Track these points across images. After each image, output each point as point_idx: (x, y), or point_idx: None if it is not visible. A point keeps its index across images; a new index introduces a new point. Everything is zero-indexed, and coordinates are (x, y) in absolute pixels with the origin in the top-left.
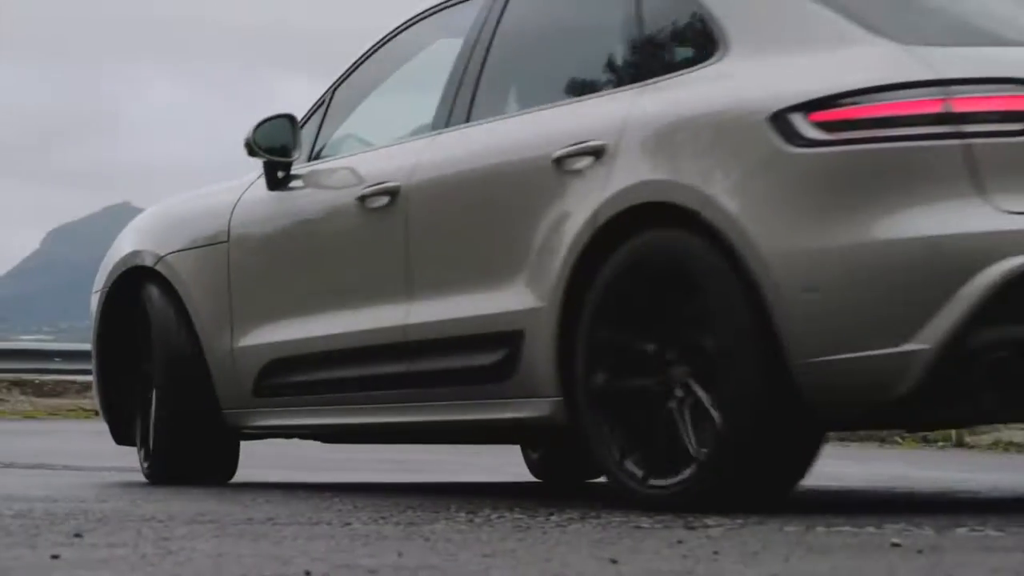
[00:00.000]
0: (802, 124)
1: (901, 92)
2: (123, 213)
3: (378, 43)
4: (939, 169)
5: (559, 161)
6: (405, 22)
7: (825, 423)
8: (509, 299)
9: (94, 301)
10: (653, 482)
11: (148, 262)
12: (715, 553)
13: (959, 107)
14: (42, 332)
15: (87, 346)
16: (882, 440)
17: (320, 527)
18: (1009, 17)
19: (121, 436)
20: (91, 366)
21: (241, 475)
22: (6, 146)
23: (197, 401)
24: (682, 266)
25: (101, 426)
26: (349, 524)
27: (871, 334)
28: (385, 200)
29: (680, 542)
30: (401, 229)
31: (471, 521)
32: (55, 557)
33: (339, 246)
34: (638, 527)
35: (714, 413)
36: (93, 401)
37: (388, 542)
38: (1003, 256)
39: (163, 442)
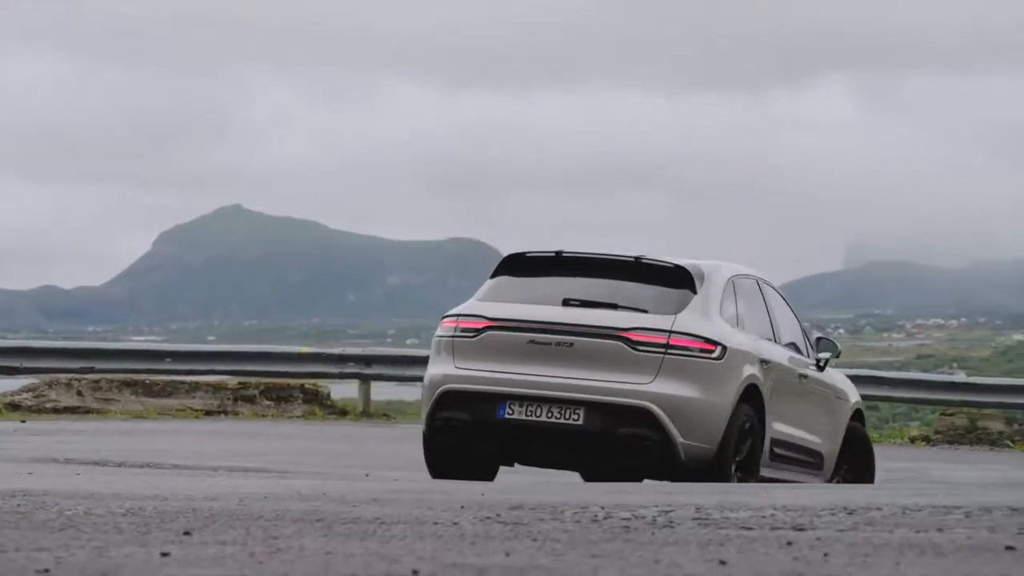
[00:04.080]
0: None
1: (454, 315)
2: (234, 215)
3: None
4: (439, 350)
5: None
6: None
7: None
8: None
9: None
10: None
11: None
12: (825, 555)
13: (452, 323)
14: (153, 333)
15: (197, 347)
16: (992, 444)
17: (427, 527)
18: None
19: None
20: (204, 367)
21: (346, 474)
22: (119, 149)
23: None
24: None
25: (210, 426)
26: (456, 524)
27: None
28: None
29: (790, 543)
30: None
31: (578, 521)
32: (165, 555)
33: None
34: (746, 527)
35: None
36: (202, 401)
37: (495, 542)
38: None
39: None
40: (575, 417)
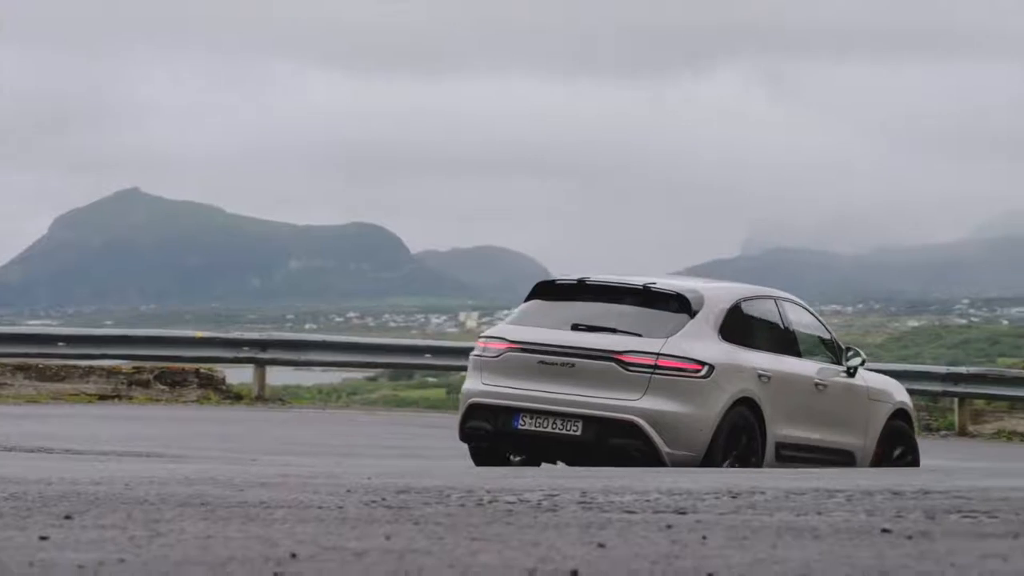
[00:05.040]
0: None
1: (484, 337)
2: (132, 199)
3: None
4: (472, 367)
5: None
6: None
7: None
8: None
9: None
10: None
11: None
12: (703, 538)
13: (482, 344)
14: (49, 317)
15: (90, 331)
16: None
17: (311, 510)
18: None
19: None
20: (98, 351)
21: (237, 458)
22: (13, 132)
23: None
24: None
25: (104, 410)
26: (341, 507)
27: None
28: None
29: (669, 526)
30: None
31: (463, 505)
32: (44, 538)
33: None
34: (629, 511)
35: None
36: (96, 385)
37: (377, 525)
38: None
39: None
40: (574, 429)
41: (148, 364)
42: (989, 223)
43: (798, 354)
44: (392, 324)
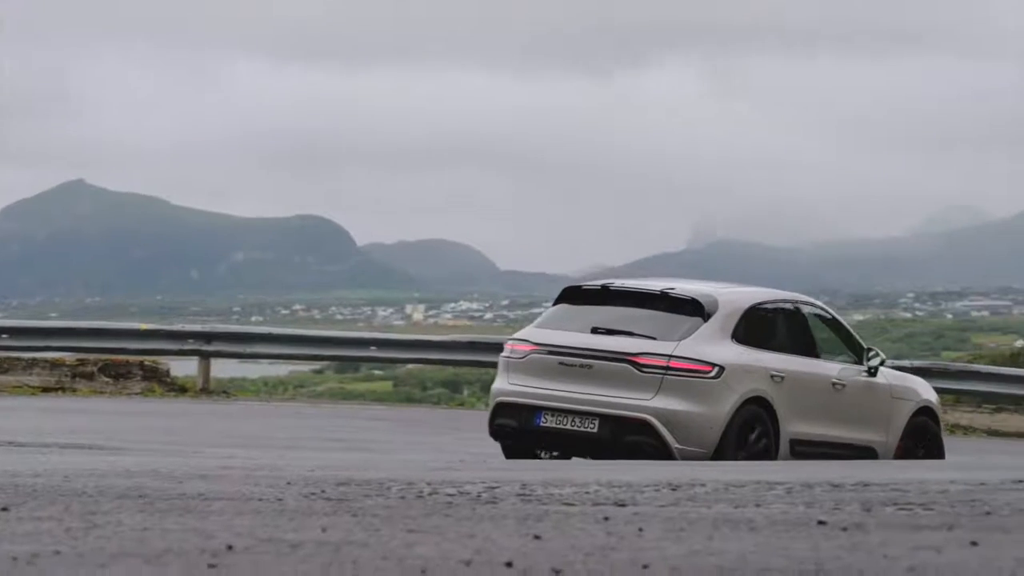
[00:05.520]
0: None
1: (512, 339)
2: (77, 190)
3: None
4: (501, 367)
5: None
6: None
7: None
8: None
9: None
10: None
11: None
12: (640, 530)
13: (510, 346)
14: None
15: (34, 323)
16: None
17: (251, 503)
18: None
19: None
20: (41, 343)
21: (180, 450)
22: None
23: None
24: None
25: (47, 403)
26: (281, 500)
27: None
28: None
29: (607, 519)
30: None
31: (403, 497)
32: None
33: None
34: (568, 503)
35: None
36: (39, 377)
37: (315, 517)
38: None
39: None
40: (591, 426)
41: (92, 356)
42: (933, 218)
43: (816, 355)
44: (339, 317)
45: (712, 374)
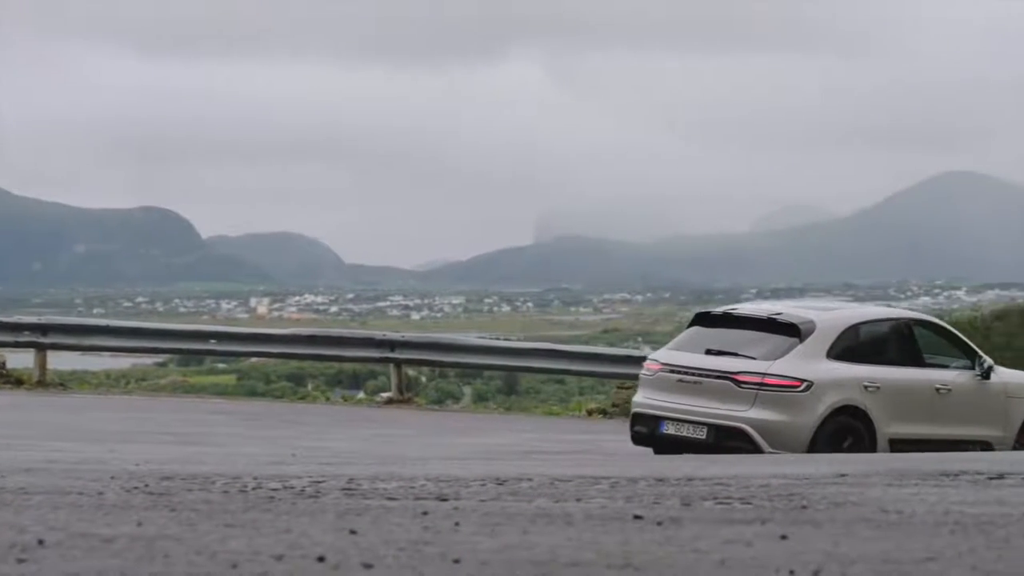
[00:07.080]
0: None
1: (649, 359)
2: None
3: None
4: (640, 383)
5: None
6: None
7: None
8: None
9: None
10: None
11: None
12: (456, 524)
13: (646, 365)
14: None
15: None
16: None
17: (69, 496)
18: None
19: None
20: None
21: (9, 444)
22: None
23: None
24: None
25: None
26: (101, 494)
27: None
28: None
29: (425, 513)
30: None
31: (226, 492)
32: None
33: None
34: (391, 498)
35: None
36: None
37: (133, 511)
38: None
39: None
40: (701, 433)
41: None
42: (773, 215)
43: (921, 364)
44: (182, 309)
45: (800, 388)
